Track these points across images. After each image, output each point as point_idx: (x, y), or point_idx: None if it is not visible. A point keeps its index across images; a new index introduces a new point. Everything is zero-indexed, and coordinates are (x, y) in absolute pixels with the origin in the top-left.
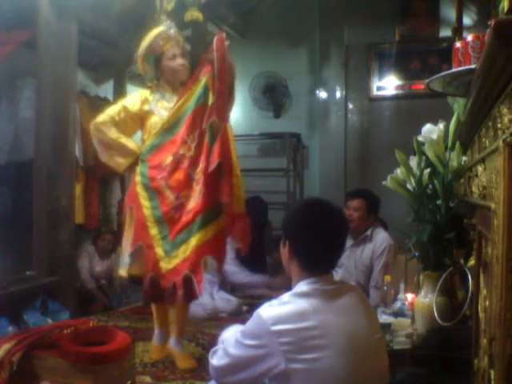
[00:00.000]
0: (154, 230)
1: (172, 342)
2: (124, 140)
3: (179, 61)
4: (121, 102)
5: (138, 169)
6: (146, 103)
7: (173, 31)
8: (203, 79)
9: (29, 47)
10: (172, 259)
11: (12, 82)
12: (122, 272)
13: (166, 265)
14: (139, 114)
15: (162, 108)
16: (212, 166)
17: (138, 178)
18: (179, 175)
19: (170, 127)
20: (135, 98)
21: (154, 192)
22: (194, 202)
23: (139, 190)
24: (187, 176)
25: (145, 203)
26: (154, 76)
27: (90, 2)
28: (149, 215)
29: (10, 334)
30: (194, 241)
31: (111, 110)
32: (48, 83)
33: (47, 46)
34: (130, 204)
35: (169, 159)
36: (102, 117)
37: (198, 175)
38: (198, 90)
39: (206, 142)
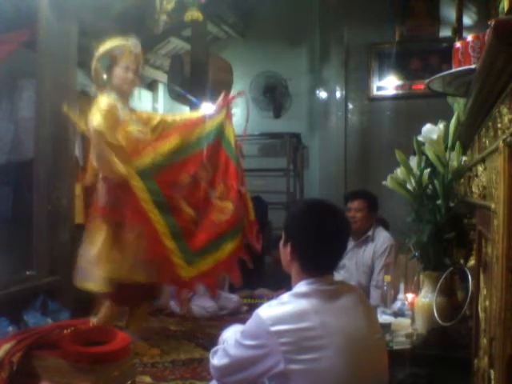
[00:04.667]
0: (170, 243)
1: (135, 337)
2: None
3: (130, 75)
4: (102, 107)
5: (141, 185)
6: (117, 109)
7: (137, 49)
8: (219, 117)
9: (29, 47)
10: (196, 266)
11: (12, 82)
12: (139, 278)
13: (187, 273)
14: (118, 120)
15: (128, 118)
16: (243, 185)
17: (143, 195)
18: (199, 194)
19: (180, 150)
20: (110, 102)
21: (168, 208)
22: (224, 215)
23: (147, 206)
24: (206, 194)
25: (157, 218)
26: (106, 81)
27: (90, 2)
28: (163, 229)
29: (10, 334)
30: (229, 246)
31: (101, 116)
32: (48, 83)
33: (47, 45)
34: (137, 222)
35: (186, 178)
36: (99, 126)
37: (224, 193)
38: (214, 126)
39: (232, 165)
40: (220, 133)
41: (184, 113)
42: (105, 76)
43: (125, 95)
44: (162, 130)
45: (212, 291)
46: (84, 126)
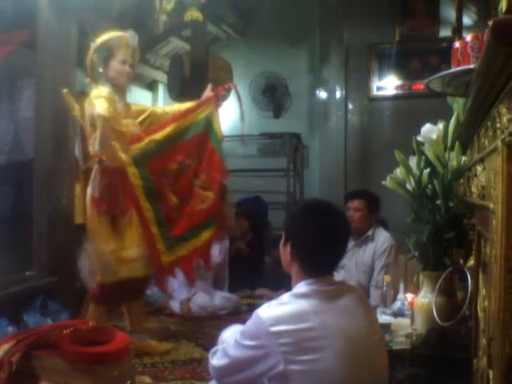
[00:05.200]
0: (155, 229)
1: (137, 338)
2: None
3: (127, 68)
4: (105, 94)
5: (135, 171)
6: (115, 101)
7: (135, 43)
8: (209, 108)
9: (29, 47)
10: (175, 252)
11: (12, 82)
12: (131, 274)
13: (167, 258)
14: (116, 111)
15: (124, 111)
16: (226, 177)
17: (137, 181)
18: (184, 182)
19: (171, 137)
20: (109, 94)
21: (155, 194)
22: (205, 204)
23: (139, 192)
24: (191, 183)
25: (146, 205)
26: (101, 73)
27: (90, 2)
28: (150, 216)
29: (10, 334)
30: (206, 234)
31: (106, 101)
32: (48, 83)
33: (47, 45)
34: (131, 207)
35: (174, 166)
36: (106, 110)
37: (206, 183)
38: (203, 116)
39: (216, 157)
40: (208, 124)
41: (174, 104)
42: (101, 69)
43: (120, 89)
44: (150, 122)
45: (188, 275)
46: (79, 112)
